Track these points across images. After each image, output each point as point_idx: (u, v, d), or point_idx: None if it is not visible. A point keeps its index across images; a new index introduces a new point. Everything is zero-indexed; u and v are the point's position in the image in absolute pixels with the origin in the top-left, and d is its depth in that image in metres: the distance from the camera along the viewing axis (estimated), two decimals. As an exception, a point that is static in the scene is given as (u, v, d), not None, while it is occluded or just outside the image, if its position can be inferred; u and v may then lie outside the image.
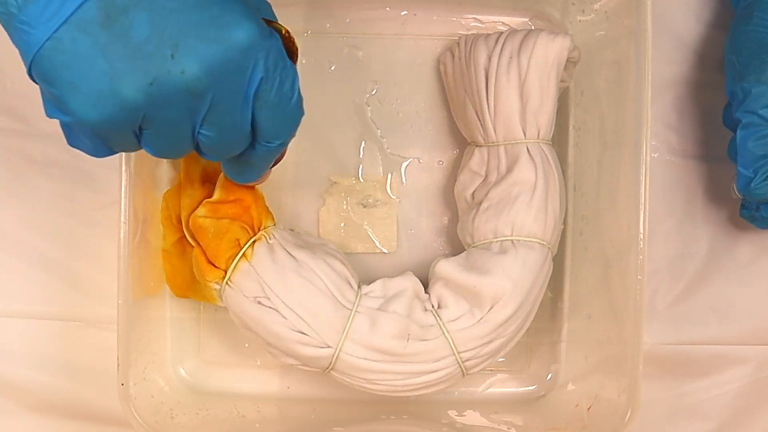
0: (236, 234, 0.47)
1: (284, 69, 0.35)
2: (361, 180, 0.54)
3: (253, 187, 0.49)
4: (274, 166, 0.44)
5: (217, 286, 0.47)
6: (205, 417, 0.51)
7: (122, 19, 0.31)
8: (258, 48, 0.33)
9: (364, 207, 0.54)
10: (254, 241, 0.47)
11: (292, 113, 0.37)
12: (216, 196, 0.47)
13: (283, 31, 0.38)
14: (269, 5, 0.39)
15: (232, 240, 0.47)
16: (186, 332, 0.54)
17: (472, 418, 0.53)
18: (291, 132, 0.39)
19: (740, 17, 0.50)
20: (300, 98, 0.38)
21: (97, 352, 0.54)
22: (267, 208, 0.49)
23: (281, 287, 0.46)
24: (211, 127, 0.35)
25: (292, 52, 0.39)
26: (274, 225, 0.49)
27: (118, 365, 0.47)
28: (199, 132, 0.35)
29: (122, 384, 0.47)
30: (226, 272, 0.47)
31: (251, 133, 0.37)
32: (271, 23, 0.37)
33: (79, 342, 0.55)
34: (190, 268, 0.49)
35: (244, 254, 0.47)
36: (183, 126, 0.34)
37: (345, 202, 0.54)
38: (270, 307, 0.46)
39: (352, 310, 0.47)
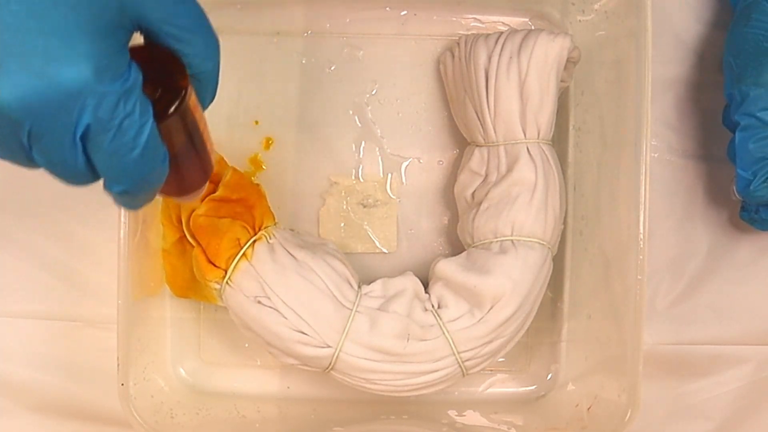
0: (237, 233, 0.47)
1: (127, 118, 0.31)
2: (361, 180, 0.54)
3: (259, 190, 0.49)
4: (191, 194, 0.40)
5: (218, 286, 0.47)
6: (205, 417, 0.51)
7: None
8: (87, 93, 0.29)
9: (364, 207, 0.54)
10: (255, 241, 0.47)
11: (133, 165, 0.32)
12: (219, 192, 0.47)
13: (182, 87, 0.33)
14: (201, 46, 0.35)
15: (233, 239, 0.47)
16: (186, 332, 0.54)
17: (472, 418, 0.53)
18: (136, 184, 0.33)
19: (738, 19, 0.50)
20: (150, 150, 0.32)
21: (97, 352, 0.54)
22: (269, 207, 0.49)
23: (281, 287, 0.46)
24: (39, 156, 0.31)
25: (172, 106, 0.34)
26: (275, 225, 0.49)
27: (118, 365, 0.47)
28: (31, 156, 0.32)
29: (122, 384, 0.47)
30: (226, 272, 0.47)
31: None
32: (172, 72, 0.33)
33: (79, 342, 0.55)
34: (190, 268, 0.49)
35: (244, 254, 0.47)
36: (14, 144, 0.31)
37: (345, 202, 0.54)
38: (270, 307, 0.46)
39: (352, 309, 0.47)
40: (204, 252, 0.47)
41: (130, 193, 0.33)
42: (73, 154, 0.31)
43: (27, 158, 0.31)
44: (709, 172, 0.56)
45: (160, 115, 0.33)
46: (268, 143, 0.54)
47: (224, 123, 0.54)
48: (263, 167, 0.54)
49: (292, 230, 0.53)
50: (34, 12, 0.29)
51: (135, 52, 0.32)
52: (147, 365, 0.51)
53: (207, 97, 0.36)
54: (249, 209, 0.48)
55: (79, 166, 0.31)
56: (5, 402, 0.55)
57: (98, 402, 0.54)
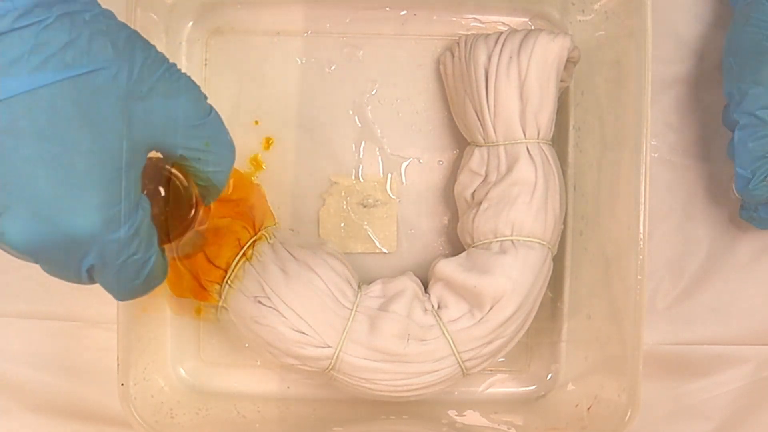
0: (237, 233, 0.47)
1: (130, 257, 0.32)
2: (361, 180, 0.54)
3: (259, 190, 0.49)
4: (189, 228, 0.41)
5: (218, 286, 0.47)
6: (205, 417, 0.51)
7: None
8: (92, 242, 0.30)
9: (364, 207, 0.54)
10: (255, 241, 0.47)
11: (135, 291, 0.34)
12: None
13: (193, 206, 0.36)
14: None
15: (233, 239, 0.47)
16: (186, 332, 0.54)
17: (472, 418, 0.53)
18: (138, 297, 0.35)
19: (738, 18, 0.50)
20: (153, 278, 0.34)
21: (97, 352, 0.54)
22: (269, 207, 0.49)
23: (282, 287, 0.46)
24: (50, 272, 0.32)
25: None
26: (276, 225, 0.49)
27: (118, 365, 0.47)
28: None
29: (122, 384, 0.47)
30: (226, 272, 0.47)
31: None
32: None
33: (79, 342, 0.55)
34: (190, 268, 0.49)
35: (244, 254, 0.47)
36: (29, 260, 0.32)
37: (345, 202, 0.54)
38: (270, 307, 0.46)
39: (352, 310, 0.47)
40: (204, 252, 0.47)
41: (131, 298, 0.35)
42: (78, 278, 0.32)
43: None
44: (709, 172, 0.56)
45: (165, 239, 0.35)
46: (268, 143, 0.54)
47: (224, 123, 0.54)
48: (263, 167, 0.54)
49: (291, 230, 0.53)
50: (45, 159, 0.29)
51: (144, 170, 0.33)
52: (147, 365, 0.51)
53: (211, 198, 0.38)
54: (249, 209, 0.48)
55: (84, 283, 0.33)
56: (5, 402, 0.55)
57: (98, 402, 0.54)
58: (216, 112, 0.35)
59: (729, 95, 0.49)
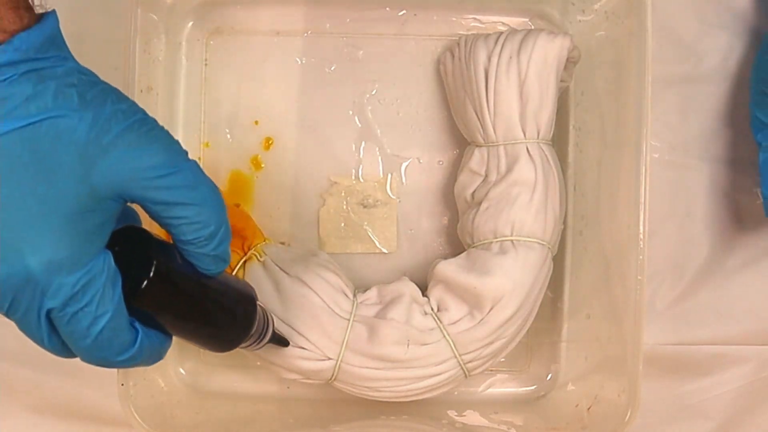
0: None
1: (84, 308, 0.31)
2: (361, 180, 0.54)
3: (242, 212, 0.49)
4: (238, 347, 0.40)
5: None
6: (205, 417, 0.51)
7: None
8: (42, 283, 0.30)
9: (364, 207, 0.54)
10: (245, 261, 0.47)
11: (86, 350, 0.33)
12: None
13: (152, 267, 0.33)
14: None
15: None
16: (186, 332, 0.54)
17: (472, 418, 0.53)
18: (100, 364, 0.34)
19: (766, 44, 0.51)
20: (104, 340, 0.32)
21: (97, 352, 0.54)
22: (256, 226, 0.49)
23: (276, 305, 0.46)
24: (17, 326, 0.32)
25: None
26: (265, 242, 0.49)
27: (118, 365, 0.47)
28: None
29: (122, 384, 0.47)
30: None
31: None
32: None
33: (79, 342, 0.54)
34: None
35: (236, 275, 0.47)
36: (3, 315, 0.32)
37: (345, 202, 0.54)
38: None
39: (349, 320, 0.47)
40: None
41: (106, 366, 0.34)
42: (39, 332, 0.32)
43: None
44: (709, 172, 0.56)
45: (132, 297, 0.33)
46: (268, 143, 0.54)
47: (224, 123, 0.54)
48: (263, 167, 0.54)
49: (282, 243, 0.52)
50: (2, 204, 0.30)
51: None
52: (147, 365, 0.51)
53: (208, 261, 0.35)
54: (237, 233, 0.48)
55: (45, 342, 0.33)
56: (5, 402, 0.55)
57: (98, 402, 0.54)
58: (195, 166, 0.33)
59: (753, 117, 0.51)
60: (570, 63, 0.50)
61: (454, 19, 0.54)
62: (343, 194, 0.54)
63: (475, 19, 0.55)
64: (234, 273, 0.46)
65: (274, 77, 0.54)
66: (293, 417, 0.53)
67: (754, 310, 0.56)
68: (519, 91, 0.48)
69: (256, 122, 0.54)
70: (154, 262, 0.33)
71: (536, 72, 0.48)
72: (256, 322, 0.40)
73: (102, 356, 0.33)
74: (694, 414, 0.56)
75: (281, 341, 0.45)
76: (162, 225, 0.34)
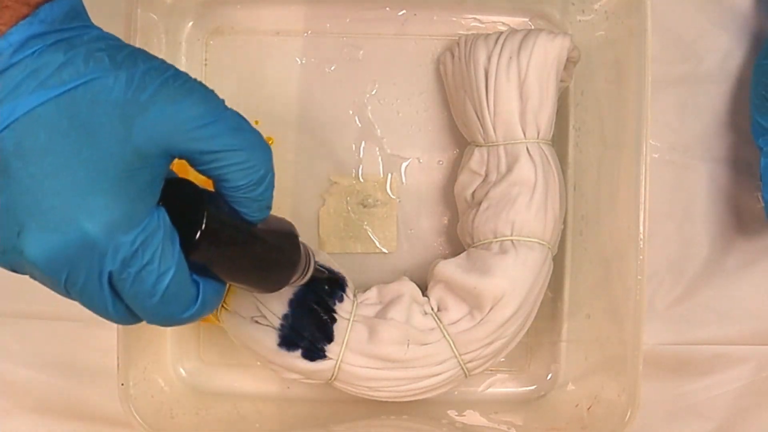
0: None
1: (145, 267, 0.31)
2: (361, 180, 0.54)
3: None
4: (285, 285, 0.40)
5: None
6: (205, 417, 0.51)
7: None
8: (102, 246, 0.30)
9: (364, 207, 0.54)
10: None
11: (153, 310, 0.33)
12: None
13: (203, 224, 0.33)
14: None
15: None
16: (186, 332, 0.54)
17: (472, 418, 0.53)
18: (165, 323, 0.34)
19: (766, 49, 0.51)
20: (171, 297, 0.33)
21: (97, 352, 0.54)
22: None
23: (276, 305, 0.46)
24: (77, 298, 0.32)
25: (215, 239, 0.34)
26: None
27: (118, 365, 0.47)
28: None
29: (122, 384, 0.47)
30: None
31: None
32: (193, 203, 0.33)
33: (79, 342, 0.55)
34: None
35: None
36: (57, 290, 0.32)
37: (345, 202, 0.54)
38: (267, 326, 0.46)
39: (349, 320, 0.47)
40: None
41: (170, 326, 0.35)
42: (102, 300, 0.32)
43: (73, 298, 0.32)
44: (709, 172, 0.56)
45: (188, 250, 0.33)
46: (268, 143, 0.54)
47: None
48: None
49: None
50: (48, 173, 0.30)
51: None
52: (147, 365, 0.51)
53: (254, 207, 0.35)
54: None
55: (110, 310, 0.33)
56: (5, 402, 0.55)
57: (98, 402, 0.54)
58: (235, 113, 0.34)
59: (754, 122, 0.51)
60: (570, 63, 0.50)
61: (454, 19, 0.54)
62: (343, 194, 0.54)
63: (475, 19, 0.55)
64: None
65: (274, 77, 0.54)
66: (293, 417, 0.53)
67: (754, 310, 0.56)
68: (519, 91, 0.48)
69: (256, 122, 0.54)
70: (206, 213, 0.33)
71: (536, 72, 0.48)
72: (302, 258, 0.41)
73: (169, 313, 0.33)
74: (694, 414, 0.56)
75: (322, 272, 0.45)
76: (210, 175, 0.34)
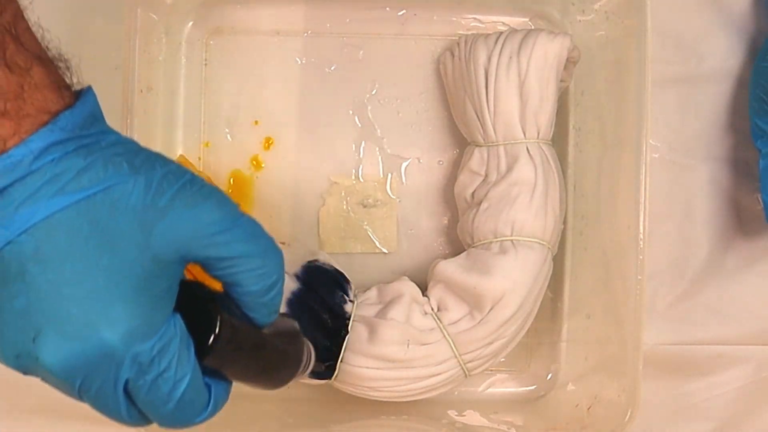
0: None
1: (163, 374, 0.31)
2: (361, 180, 0.54)
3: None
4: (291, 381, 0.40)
5: None
6: (205, 417, 0.51)
7: (10, 286, 0.30)
8: (120, 355, 0.30)
9: (364, 207, 0.54)
10: None
11: (168, 416, 0.32)
12: None
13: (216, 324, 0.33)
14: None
15: None
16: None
17: (472, 418, 0.53)
18: (179, 427, 0.34)
19: (764, 51, 0.51)
20: (187, 403, 0.32)
21: (97, 352, 0.54)
22: None
23: None
24: (89, 403, 0.32)
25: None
26: None
27: (118, 365, 0.47)
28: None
29: (122, 384, 0.47)
30: None
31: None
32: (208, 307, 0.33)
33: (79, 342, 0.54)
34: None
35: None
36: (69, 394, 0.32)
37: (345, 202, 0.54)
38: None
39: (349, 320, 0.47)
40: (195, 279, 0.47)
41: (185, 428, 0.34)
42: (116, 406, 0.32)
43: (84, 402, 0.33)
44: (709, 172, 0.56)
45: (201, 355, 0.33)
46: (268, 143, 0.54)
47: (224, 123, 0.54)
48: (263, 167, 0.54)
49: (282, 243, 0.52)
50: (68, 279, 0.30)
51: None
52: (147, 365, 0.51)
53: (264, 312, 0.35)
54: None
55: (123, 415, 0.32)
56: (5, 402, 0.55)
57: (98, 402, 0.54)
58: (251, 219, 0.33)
59: (753, 125, 0.51)
60: (570, 63, 0.50)
61: (454, 19, 0.54)
62: (343, 194, 0.54)
63: (475, 19, 0.55)
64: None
65: (274, 77, 0.54)
66: (293, 417, 0.53)
67: (754, 310, 0.56)
68: (519, 91, 0.48)
69: (256, 122, 0.54)
70: (219, 317, 0.33)
71: (536, 72, 0.48)
72: (305, 354, 0.41)
73: (185, 418, 0.33)
74: (694, 414, 0.56)
75: (320, 374, 0.46)
76: (224, 280, 0.33)
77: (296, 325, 0.40)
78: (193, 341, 0.32)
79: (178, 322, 0.32)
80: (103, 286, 0.30)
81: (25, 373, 0.32)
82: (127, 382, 0.31)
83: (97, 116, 0.32)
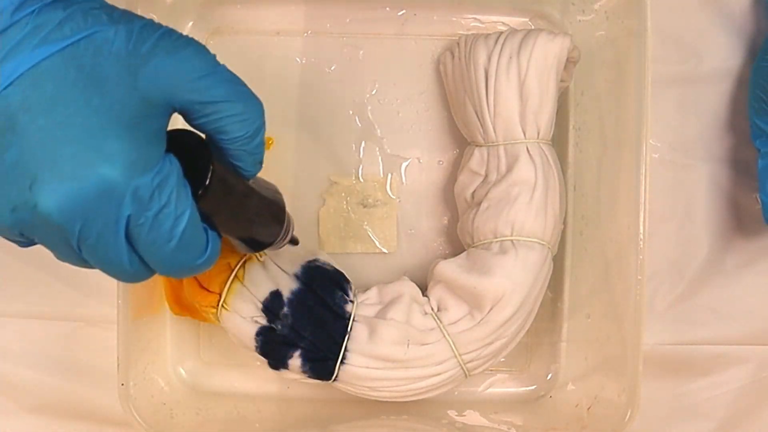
0: (227, 258, 0.47)
1: (162, 210, 0.31)
2: (361, 180, 0.54)
3: None
4: (268, 248, 0.43)
5: (214, 310, 0.47)
6: (205, 417, 0.51)
7: (1, 139, 0.30)
8: (119, 190, 0.30)
9: (364, 207, 0.54)
10: (245, 261, 0.47)
11: (171, 256, 0.33)
12: None
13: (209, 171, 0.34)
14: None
15: (223, 264, 0.47)
16: (186, 332, 0.54)
17: (472, 418, 0.53)
18: (179, 272, 0.34)
19: (764, 51, 0.51)
20: (188, 241, 0.33)
21: (97, 352, 0.54)
22: None
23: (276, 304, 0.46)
24: (90, 257, 0.32)
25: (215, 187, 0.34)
26: None
27: (118, 365, 0.47)
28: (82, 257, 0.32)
29: (122, 384, 0.47)
30: (220, 295, 0.47)
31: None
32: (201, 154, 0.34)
33: (79, 342, 0.55)
34: (187, 293, 0.49)
35: (236, 276, 0.47)
36: (66, 249, 0.32)
37: (345, 202, 0.54)
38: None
39: (349, 320, 0.47)
40: (196, 278, 0.47)
41: (181, 276, 0.35)
42: (117, 251, 0.32)
43: (80, 260, 0.32)
44: (709, 172, 0.56)
45: (196, 198, 0.33)
46: (268, 143, 0.54)
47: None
48: (263, 167, 0.54)
49: None
50: (60, 122, 0.30)
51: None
52: (147, 365, 0.51)
53: (249, 161, 0.36)
54: None
55: (125, 262, 0.32)
56: (5, 402, 0.55)
57: (98, 402, 0.54)
58: (229, 70, 0.34)
59: (752, 124, 0.51)
60: (570, 63, 0.50)
61: (454, 19, 0.55)
62: (343, 194, 0.54)
63: (475, 19, 0.55)
64: (234, 273, 0.46)
65: (274, 77, 0.54)
66: (293, 417, 0.53)
67: (754, 310, 0.56)
68: (519, 91, 0.48)
69: (256, 122, 0.54)
70: (212, 160, 0.34)
71: (536, 72, 0.48)
72: (287, 217, 0.42)
73: (185, 260, 0.33)
74: (694, 414, 0.56)
75: (294, 241, 0.46)
76: (208, 128, 0.34)
77: (278, 191, 0.42)
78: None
79: (174, 160, 0.33)
80: (96, 124, 0.30)
81: (21, 232, 0.31)
82: (128, 224, 0.31)
83: None
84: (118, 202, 0.31)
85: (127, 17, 0.32)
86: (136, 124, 0.31)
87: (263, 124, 0.36)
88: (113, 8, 0.33)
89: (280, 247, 0.44)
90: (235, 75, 0.34)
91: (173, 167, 0.32)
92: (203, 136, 0.35)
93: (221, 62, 0.34)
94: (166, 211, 0.32)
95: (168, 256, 0.33)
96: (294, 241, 0.46)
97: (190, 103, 0.33)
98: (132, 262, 0.33)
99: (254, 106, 0.35)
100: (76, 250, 0.32)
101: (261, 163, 0.37)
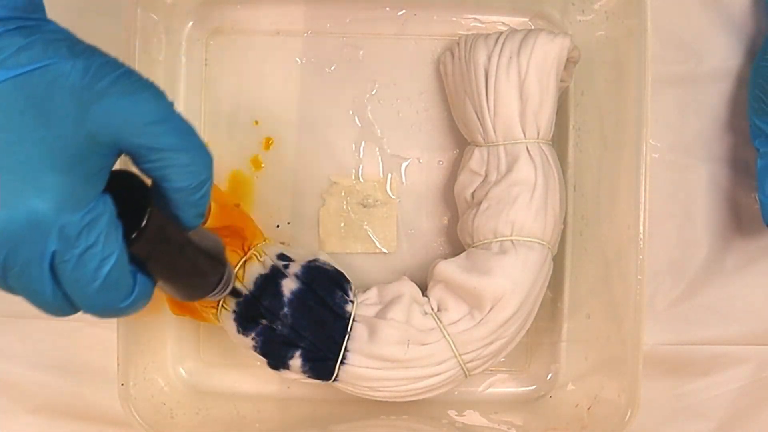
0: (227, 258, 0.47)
1: (88, 250, 0.31)
2: (361, 180, 0.54)
3: (242, 212, 0.49)
4: (203, 299, 0.42)
5: (214, 310, 0.47)
6: (205, 417, 0.51)
7: None
8: (47, 225, 0.30)
9: (364, 207, 0.54)
10: (245, 262, 0.47)
11: (95, 296, 0.32)
12: (208, 224, 0.47)
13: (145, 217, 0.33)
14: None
15: None
16: (186, 332, 0.54)
17: (472, 418, 0.53)
18: (103, 313, 0.33)
19: (764, 51, 0.51)
20: (113, 283, 0.32)
21: (97, 352, 0.54)
22: (256, 227, 0.49)
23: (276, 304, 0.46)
24: (13, 283, 0.32)
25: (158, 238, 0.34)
26: (265, 242, 0.49)
27: (118, 365, 0.47)
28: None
29: (122, 384, 0.47)
30: None
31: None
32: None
33: (79, 342, 0.55)
34: None
35: (236, 276, 0.47)
36: None
37: (345, 202, 0.54)
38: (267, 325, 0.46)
39: (350, 320, 0.47)
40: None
41: (105, 317, 0.34)
42: (41, 284, 0.32)
43: (6, 287, 0.32)
44: (709, 172, 0.56)
45: (129, 242, 0.33)
46: (268, 143, 0.54)
47: (224, 123, 0.54)
48: (263, 167, 0.54)
49: (282, 243, 0.52)
50: (1, 149, 0.30)
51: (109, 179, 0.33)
52: (147, 365, 0.51)
53: (191, 213, 0.35)
54: (237, 233, 0.48)
55: (48, 295, 0.32)
56: (5, 402, 0.55)
57: (98, 402, 0.54)
58: (184, 118, 0.34)
59: (752, 124, 0.51)
60: (570, 63, 0.50)
61: (454, 19, 0.54)
62: (343, 194, 0.54)
63: (475, 19, 0.55)
64: (234, 273, 0.46)
65: (274, 77, 0.54)
66: (293, 417, 0.53)
67: (754, 310, 0.56)
68: (519, 91, 0.48)
69: (256, 122, 0.54)
70: (150, 205, 0.33)
71: (536, 72, 0.48)
72: (227, 271, 0.42)
73: (108, 302, 0.33)
74: (694, 414, 0.56)
75: (235, 293, 0.46)
76: (154, 175, 0.34)
77: (221, 244, 0.41)
78: (123, 227, 0.33)
79: (108, 201, 0.32)
80: (35, 156, 0.30)
81: None
82: (53, 259, 0.31)
83: (38, 4, 0.33)
84: (44, 236, 0.30)
85: (89, 53, 0.32)
86: (78, 160, 0.31)
87: (210, 177, 0.35)
88: (78, 42, 0.32)
89: (219, 299, 0.44)
90: (189, 125, 0.34)
91: (106, 208, 0.32)
92: (149, 181, 0.35)
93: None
94: (92, 251, 0.31)
95: (91, 295, 0.32)
96: (236, 293, 0.46)
97: (138, 147, 0.32)
98: (56, 296, 0.32)
99: (202, 158, 0.34)
100: (1, 276, 0.31)
101: (203, 215, 0.36)
